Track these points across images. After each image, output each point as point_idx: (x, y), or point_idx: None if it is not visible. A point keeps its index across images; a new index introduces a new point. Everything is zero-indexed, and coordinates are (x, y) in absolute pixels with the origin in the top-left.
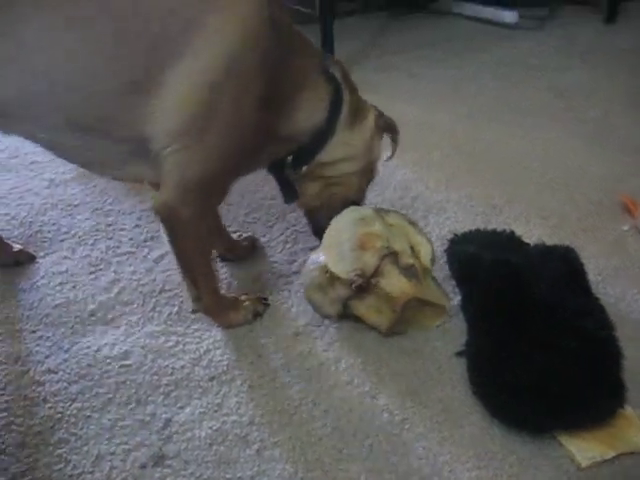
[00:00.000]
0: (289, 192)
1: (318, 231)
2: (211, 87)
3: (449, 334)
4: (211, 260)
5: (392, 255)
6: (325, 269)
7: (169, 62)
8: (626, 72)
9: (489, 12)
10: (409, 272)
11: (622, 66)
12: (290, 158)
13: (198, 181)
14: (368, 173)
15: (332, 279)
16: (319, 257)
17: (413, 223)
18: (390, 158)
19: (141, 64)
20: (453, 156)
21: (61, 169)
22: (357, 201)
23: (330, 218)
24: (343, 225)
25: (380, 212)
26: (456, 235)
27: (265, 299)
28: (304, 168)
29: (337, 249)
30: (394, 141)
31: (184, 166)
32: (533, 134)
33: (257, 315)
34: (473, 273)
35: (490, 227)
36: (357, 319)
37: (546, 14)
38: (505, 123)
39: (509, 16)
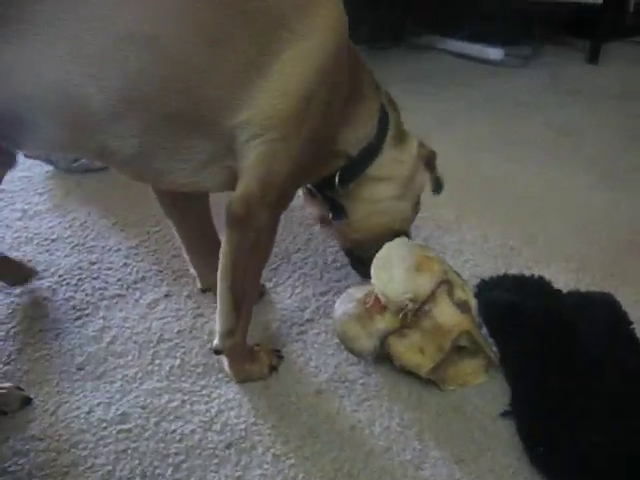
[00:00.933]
0: (337, 209)
1: (359, 264)
2: (317, 73)
3: (488, 390)
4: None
5: (447, 284)
6: (364, 300)
7: (282, 44)
8: (615, 112)
9: (474, 49)
10: (463, 307)
11: (610, 106)
12: (338, 174)
13: (285, 177)
14: (413, 203)
15: (372, 311)
16: (357, 290)
17: (457, 272)
18: (437, 192)
19: (254, 42)
20: (459, 192)
21: (35, 199)
22: (403, 233)
23: (376, 249)
24: (398, 247)
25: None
26: (484, 280)
27: (278, 351)
28: (351, 185)
29: (389, 270)
30: (432, 172)
31: (273, 158)
32: (541, 171)
33: (273, 369)
34: (513, 322)
35: (511, 270)
36: (392, 361)
37: (530, 53)
38: (509, 159)
39: (494, 53)
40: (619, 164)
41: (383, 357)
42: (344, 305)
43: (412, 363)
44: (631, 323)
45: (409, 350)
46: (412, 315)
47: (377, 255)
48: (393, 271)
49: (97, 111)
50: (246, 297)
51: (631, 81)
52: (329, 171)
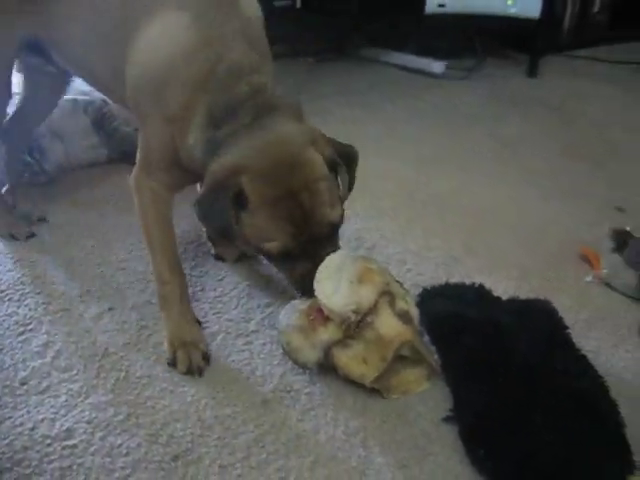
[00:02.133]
0: None
1: (298, 280)
2: None
3: (430, 397)
4: None
5: (389, 295)
6: (308, 312)
7: None
8: (556, 124)
9: (417, 61)
10: (404, 317)
11: (550, 116)
12: None
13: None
14: None
15: (316, 322)
16: (301, 302)
17: (398, 281)
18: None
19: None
20: (406, 204)
21: None
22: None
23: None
24: (340, 259)
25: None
26: (426, 289)
27: (207, 356)
28: None
29: (332, 282)
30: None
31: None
32: (486, 182)
33: (189, 372)
34: (455, 331)
35: (453, 279)
36: (336, 371)
37: (471, 66)
38: (455, 170)
39: (436, 66)
40: (558, 175)
41: (327, 367)
42: (288, 317)
43: (356, 373)
44: (567, 328)
45: (353, 360)
46: (355, 326)
47: (319, 267)
48: (335, 283)
49: None
50: None
51: (568, 93)
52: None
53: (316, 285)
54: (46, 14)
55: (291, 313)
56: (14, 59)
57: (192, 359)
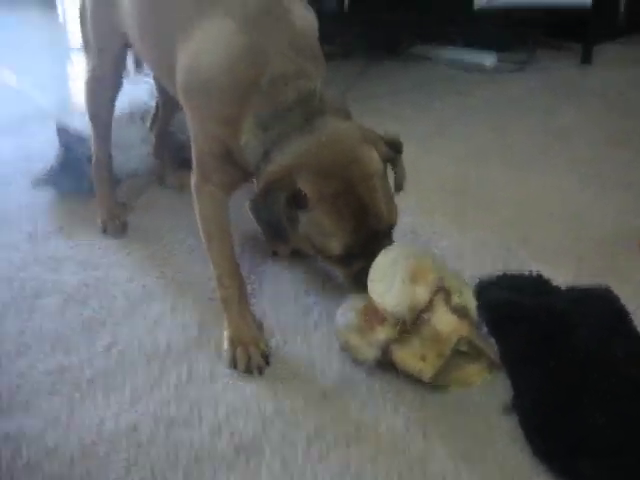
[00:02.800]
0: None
1: (353, 282)
2: None
3: (490, 387)
4: None
5: (444, 291)
6: (364, 311)
7: None
8: (609, 112)
9: (468, 56)
10: (460, 312)
11: (604, 106)
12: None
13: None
14: None
15: (372, 321)
16: (357, 300)
17: (456, 274)
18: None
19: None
20: (456, 198)
21: (40, 221)
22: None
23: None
24: (392, 258)
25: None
26: (482, 280)
27: (267, 357)
28: None
29: (385, 281)
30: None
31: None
32: (537, 175)
33: (249, 370)
34: (512, 320)
35: (510, 270)
36: (395, 367)
37: (524, 58)
38: (504, 164)
39: (488, 59)
40: (611, 164)
41: (386, 364)
42: (345, 316)
43: (414, 370)
44: (628, 314)
45: (411, 357)
46: (411, 324)
47: (372, 268)
48: (389, 283)
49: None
50: None
51: (623, 81)
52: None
53: (370, 284)
54: (122, 13)
55: (347, 312)
56: (121, 55)
57: (252, 358)
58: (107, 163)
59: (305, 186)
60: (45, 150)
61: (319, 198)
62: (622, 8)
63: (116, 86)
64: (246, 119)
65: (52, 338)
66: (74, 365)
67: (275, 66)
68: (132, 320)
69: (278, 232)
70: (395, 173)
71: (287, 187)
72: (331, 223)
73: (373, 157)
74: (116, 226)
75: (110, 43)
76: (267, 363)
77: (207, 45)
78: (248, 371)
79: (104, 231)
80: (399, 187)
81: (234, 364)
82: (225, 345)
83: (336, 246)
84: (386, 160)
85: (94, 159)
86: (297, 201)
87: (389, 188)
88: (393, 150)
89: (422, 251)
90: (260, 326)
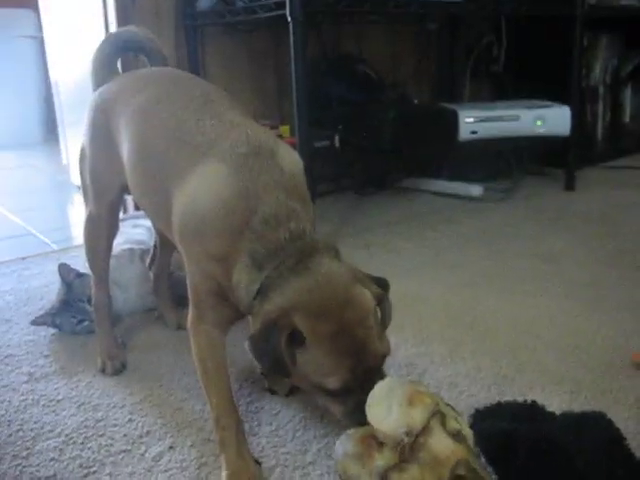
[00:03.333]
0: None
1: (350, 413)
2: None
3: None
4: None
5: (440, 415)
6: (363, 439)
7: None
8: (596, 235)
9: (455, 187)
10: (457, 436)
11: (590, 229)
12: None
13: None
14: None
15: (371, 449)
16: (355, 430)
17: (450, 405)
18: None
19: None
20: (453, 327)
21: (40, 362)
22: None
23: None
24: (391, 385)
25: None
26: (478, 410)
27: None
28: None
29: (383, 407)
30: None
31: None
32: (531, 300)
33: None
34: (509, 450)
35: (505, 398)
36: None
37: (509, 186)
38: (500, 291)
39: (475, 190)
40: (602, 285)
41: None
42: (343, 446)
43: None
44: (625, 439)
45: None
46: (409, 448)
47: (370, 394)
48: (386, 408)
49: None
50: None
51: (607, 203)
52: None
53: (367, 411)
54: (120, 161)
55: (346, 442)
56: (118, 199)
57: None
58: (106, 303)
59: (303, 326)
60: (46, 290)
61: (316, 338)
62: (599, 135)
63: (112, 229)
64: (239, 259)
65: None
66: None
67: (266, 207)
68: (131, 461)
69: (279, 369)
70: (382, 311)
71: (286, 326)
72: (329, 362)
73: (366, 296)
74: (115, 366)
75: (108, 188)
76: None
77: (201, 189)
78: None
79: (102, 371)
80: (385, 325)
81: None
82: None
83: (334, 383)
84: (377, 300)
85: (94, 299)
86: (294, 340)
87: (380, 324)
88: (381, 288)
89: (414, 380)
90: (258, 464)
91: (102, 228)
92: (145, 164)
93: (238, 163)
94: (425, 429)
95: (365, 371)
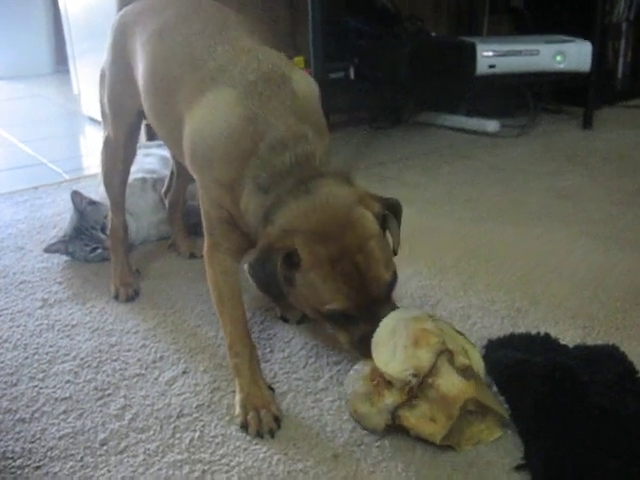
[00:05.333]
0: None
1: (357, 345)
2: None
3: (501, 446)
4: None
5: (448, 353)
6: (371, 377)
7: None
8: (613, 174)
9: (471, 122)
10: (466, 372)
11: (609, 169)
12: None
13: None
14: None
15: (380, 386)
16: (363, 367)
17: (460, 332)
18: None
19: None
20: (467, 260)
21: (54, 288)
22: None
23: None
24: (394, 323)
25: (428, 315)
26: (491, 341)
27: (278, 419)
28: None
29: (388, 348)
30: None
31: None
32: (546, 236)
33: (260, 435)
34: (522, 379)
35: (518, 331)
36: (406, 431)
37: (526, 123)
38: (513, 225)
39: (491, 126)
40: (618, 223)
41: (397, 429)
42: (352, 384)
43: (425, 432)
44: (637, 372)
45: (420, 420)
46: (417, 389)
47: (375, 334)
48: (391, 349)
49: None
50: None
51: (625, 144)
52: None
53: (373, 352)
54: (136, 85)
55: (355, 380)
56: (135, 123)
57: (263, 422)
58: (122, 230)
59: (300, 248)
60: (58, 218)
61: (313, 261)
62: (620, 74)
63: (130, 153)
64: (246, 185)
65: (65, 403)
66: (87, 429)
67: (274, 132)
68: (145, 384)
69: (274, 290)
70: (391, 234)
71: (282, 249)
72: (326, 286)
73: (368, 219)
74: (128, 293)
75: (125, 112)
76: (278, 426)
77: (209, 115)
78: (259, 435)
79: (116, 297)
80: (394, 250)
81: (246, 428)
82: (237, 409)
83: (332, 309)
84: (381, 221)
85: (109, 226)
86: (292, 262)
87: (387, 249)
88: (392, 213)
89: (423, 314)
90: (271, 389)
91: (119, 152)
92: (158, 88)
93: (248, 89)
94: (432, 369)
95: (368, 300)
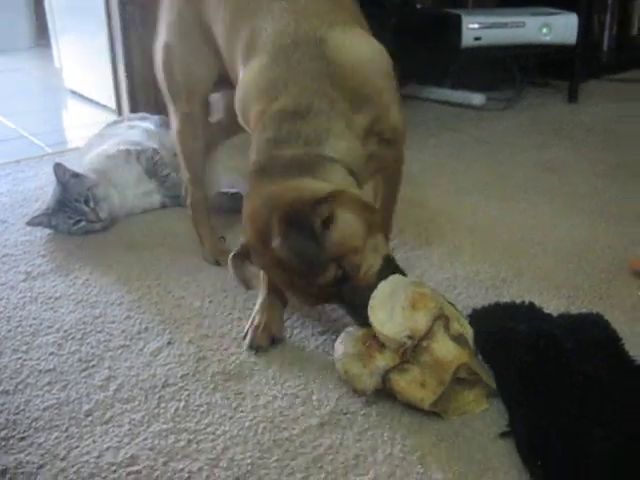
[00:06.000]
0: None
1: (353, 310)
2: None
3: (487, 414)
4: None
5: (444, 318)
6: (364, 339)
7: None
8: (598, 147)
9: (457, 95)
10: (460, 339)
11: (594, 142)
12: None
13: None
14: None
15: (372, 348)
16: (355, 330)
17: (451, 303)
18: None
19: None
20: (453, 232)
21: (37, 261)
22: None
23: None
24: (392, 286)
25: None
26: (475, 310)
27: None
28: None
29: (385, 310)
30: None
31: None
32: (532, 209)
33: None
34: (507, 347)
35: (503, 300)
36: (394, 396)
37: (511, 96)
38: (500, 198)
39: (476, 99)
40: (603, 196)
41: (386, 393)
42: (344, 345)
43: (415, 397)
44: (620, 340)
45: (411, 384)
46: (411, 351)
47: (372, 296)
48: (389, 310)
49: None
50: None
51: (610, 117)
52: None
53: (370, 313)
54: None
55: (347, 341)
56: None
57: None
58: (204, 203)
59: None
60: (41, 192)
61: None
62: (605, 47)
63: (206, 126)
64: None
65: (49, 374)
66: (72, 400)
67: (283, 100)
68: (130, 355)
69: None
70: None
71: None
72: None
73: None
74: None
75: (201, 82)
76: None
77: (244, 79)
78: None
79: (218, 264)
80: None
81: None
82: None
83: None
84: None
85: (189, 199)
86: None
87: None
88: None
89: (420, 281)
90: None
91: (198, 126)
92: (231, 48)
93: (279, 52)
94: (428, 333)
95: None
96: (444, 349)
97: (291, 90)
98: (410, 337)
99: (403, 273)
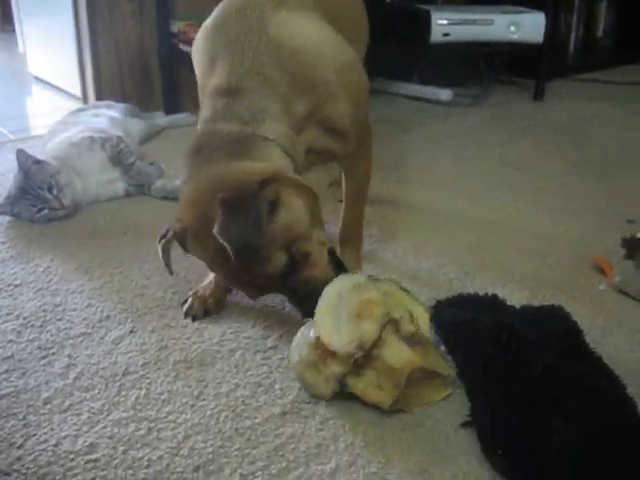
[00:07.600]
0: None
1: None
2: None
3: (449, 404)
4: None
5: (392, 323)
6: (316, 345)
7: None
8: (564, 145)
9: (425, 91)
10: (412, 340)
11: (558, 139)
12: None
13: None
14: None
15: (325, 355)
16: (309, 331)
17: (406, 290)
18: None
19: None
20: (418, 226)
21: None
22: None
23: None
24: (336, 293)
25: (372, 279)
26: (439, 301)
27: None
28: None
29: (331, 320)
30: None
31: None
32: (497, 204)
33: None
34: (469, 338)
35: (466, 292)
36: (355, 397)
37: (478, 93)
38: (466, 193)
39: (444, 94)
40: (567, 193)
41: (346, 395)
42: (298, 352)
43: (374, 399)
44: (581, 331)
45: (368, 388)
46: (363, 360)
47: (319, 304)
48: (335, 319)
49: None
50: None
51: (574, 116)
52: None
53: (317, 319)
54: None
55: (300, 348)
56: None
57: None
58: None
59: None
60: (2, 178)
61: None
62: (572, 48)
63: None
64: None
65: (7, 362)
66: (30, 387)
67: (217, 76)
68: (90, 343)
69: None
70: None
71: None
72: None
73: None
74: None
75: None
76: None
77: (195, 42)
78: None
79: None
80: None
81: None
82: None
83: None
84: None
85: None
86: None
87: None
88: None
89: (366, 281)
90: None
91: None
92: None
93: (223, 21)
94: (377, 341)
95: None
96: (396, 355)
97: (224, 66)
98: (360, 347)
99: (346, 269)
